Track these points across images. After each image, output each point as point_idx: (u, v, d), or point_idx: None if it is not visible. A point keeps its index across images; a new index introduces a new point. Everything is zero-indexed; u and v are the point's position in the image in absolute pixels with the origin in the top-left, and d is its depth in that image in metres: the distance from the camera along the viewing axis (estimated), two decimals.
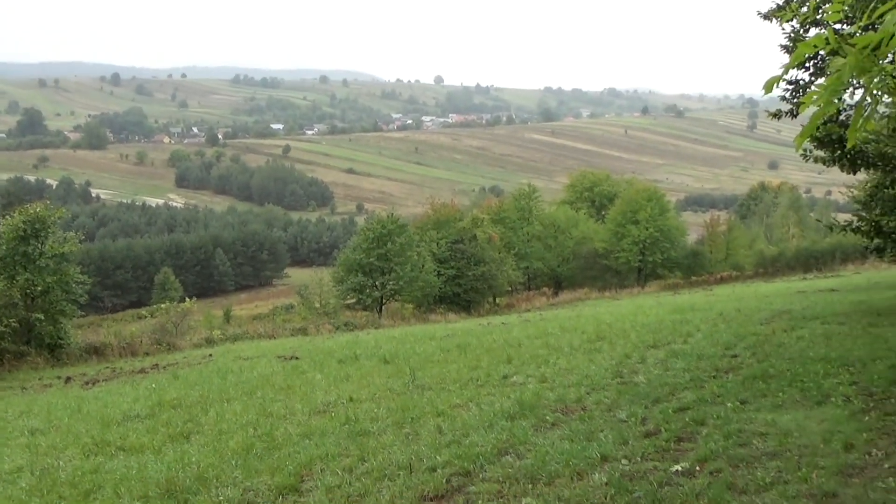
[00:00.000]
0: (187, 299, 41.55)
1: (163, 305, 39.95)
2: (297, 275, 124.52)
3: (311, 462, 9.23)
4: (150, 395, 16.42)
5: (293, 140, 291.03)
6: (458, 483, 8.03)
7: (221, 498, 8.29)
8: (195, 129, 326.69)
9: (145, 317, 49.62)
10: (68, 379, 22.37)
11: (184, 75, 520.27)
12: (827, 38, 3.25)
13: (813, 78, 13.72)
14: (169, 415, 13.87)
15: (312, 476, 8.77)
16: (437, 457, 8.82)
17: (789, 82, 14.61)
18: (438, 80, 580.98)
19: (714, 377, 12.09)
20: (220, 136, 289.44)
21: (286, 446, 10.20)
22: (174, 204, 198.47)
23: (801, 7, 13.60)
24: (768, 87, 3.43)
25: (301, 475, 8.83)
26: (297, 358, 20.75)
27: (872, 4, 3.21)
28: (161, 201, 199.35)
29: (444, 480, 8.06)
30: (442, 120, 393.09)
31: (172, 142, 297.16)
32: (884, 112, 11.88)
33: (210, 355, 25.06)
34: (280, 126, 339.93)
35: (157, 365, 23.54)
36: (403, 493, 7.81)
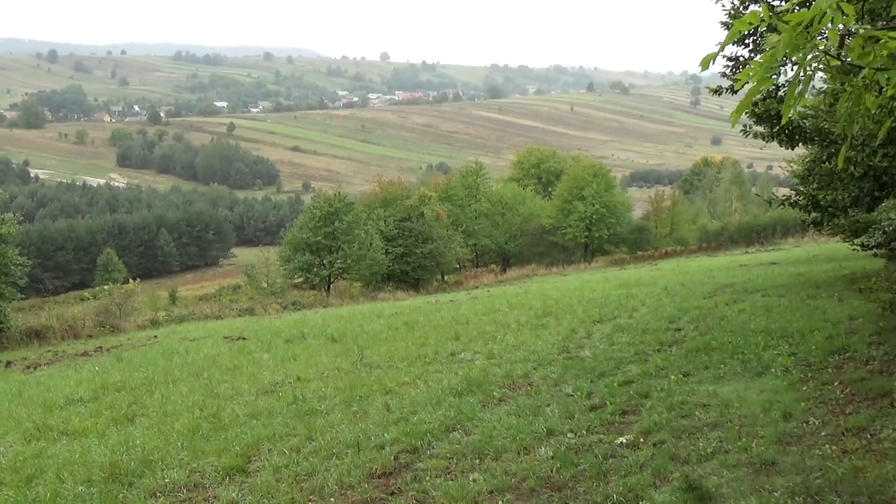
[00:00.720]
0: (131, 280, 40.79)
1: (106, 287, 39.18)
2: (243, 254, 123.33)
3: (258, 442, 9.19)
4: (94, 378, 16.16)
5: (238, 118, 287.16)
6: (406, 460, 8.07)
7: (167, 480, 8.22)
8: (136, 108, 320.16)
9: (88, 299, 48.86)
10: (8, 363, 21.91)
11: (123, 52, 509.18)
12: (761, 16, 3.30)
13: (752, 54, 13.91)
14: (113, 398, 13.69)
15: (260, 456, 8.74)
16: (385, 434, 8.85)
17: (729, 58, 14.81)
18: (384, 56, 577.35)
19: (658, 351, 12.29)
20: (162, 115, 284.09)
21: (233, 427, 10.15)
22: (116, 184, 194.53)
23: None
24: (704, 63, 3.47)
25: (248, 456, 8.80)
26: (244, 338, 20.60)
27: None
28: (102, 181, 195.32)
29: (392, 458, 8.09)
30: (388, 97, 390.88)
31: (113, 120, 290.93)
32: (821, 88, 12.10)
33: (155, 337, 24.75)
34: (224, 104, 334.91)
35: (100, 347, 23.16)
36: (351, 471, 7.82)
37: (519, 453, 7.89)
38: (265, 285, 53.55)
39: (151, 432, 10.46)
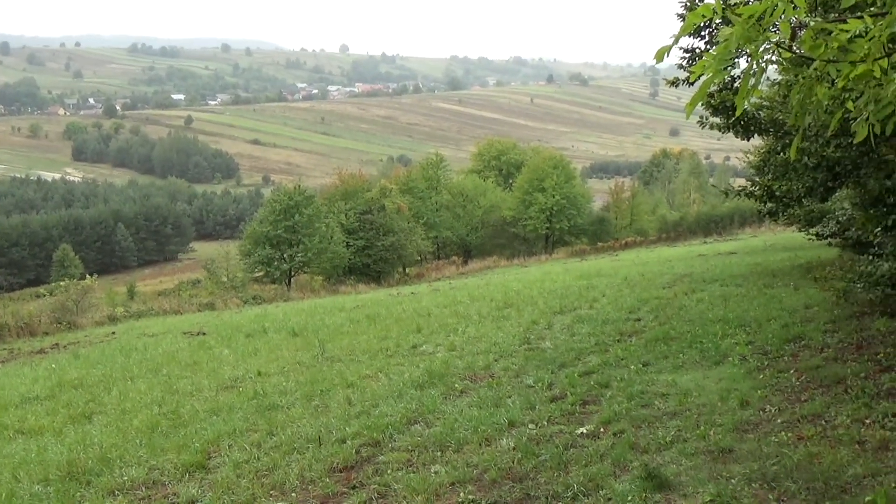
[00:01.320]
0: (88, 276, 40.19)
1: (62, 283, 38.56)
2: (203, 249, 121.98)
3: (218, 438, 9.12)
4: (50, 375, 15.92)
5: (196, 111, 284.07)
6: (368, 454, 8.05)
7: (125, 478, 8.12)
8: (92, 101, 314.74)
9: (44, 295, 48.02)
10: None
11: (78, 44, 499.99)
12: (714, 8, 3.32)
13: (708, 46, 14.03)
14: (70, 395, 13.50)
15: (220, 452, 8.67)
16: (347, 428, 8.83)
17: (685, 50, 14.91)
18: (344, 49, 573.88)
19: (618, 341, 12.40)
20: (118, 108, 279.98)
21: (193, 423, 10.06)
22: (71, 178, 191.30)
23: None
24: (659, 56, 3.48)
25: (208, 452, 8.73)
26: (203, 333, 20.42)
27: None
28: (57, 175, 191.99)
29: (354, 451, 8.08)
30: (348, 89, 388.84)
31: (68, 113, 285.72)
32: (775, 79, 12.24)
33: (113, 333, 24.42)
34: (181, 96, 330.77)
35: (57, 345, 22.81)
36: (313, 465, 7.79)
37: (480, 445, 7.92)
38: (225, 280, 53.03)
39: (109, 430, 10.33)
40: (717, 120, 15.10)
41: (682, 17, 14.30)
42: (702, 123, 15.25)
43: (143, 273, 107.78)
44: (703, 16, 3.36)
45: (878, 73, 3.45)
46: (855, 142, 3.51)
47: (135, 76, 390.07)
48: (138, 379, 14.24)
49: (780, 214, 19.41)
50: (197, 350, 17.18)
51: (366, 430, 8.67)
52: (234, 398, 11.28)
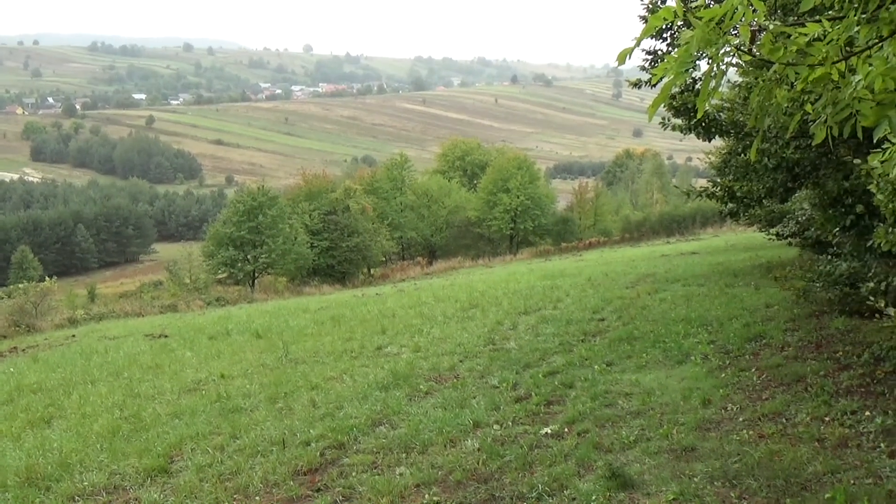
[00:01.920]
0: (47, 278, 39.62)
1: (21, 285, 37.88)
2: (165, 250, 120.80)
3: (180, 442, 9.03)
4: (8, 379, 15.63)
5: (157, 111, 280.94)
6: (332, 456, 8.02)
7: (86, 483, 8.01)
8: (51, 100, 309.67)
9: (2, 298, 47.11)
10: None
11: (36, 42, 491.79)
12: (675, 11, 3.34)
13: (669, 48, 14.15)
14: (28, 399, 13.28)
15: (182, 456, 8.59)
16: (311, 430, 8.78)
17: (648, 52, 15.03)
18: (308, 48, 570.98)
19: (582, 341, 12.47)
20: (78, 107, 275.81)
21: (155, 427, 9.95)
22: (30, 179, 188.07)
23: None
24: (621, 58, 3.51)
25: (170, 456, 8.64)
26: (166, 336, 20.19)
27: None
28: (15, 176, 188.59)
29: (318, 454, 8.04)
30: (312, 89, 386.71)
31: (26, 113, 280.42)
32: (736, 81, 12.38)
33: (73, 336, 24.05)
34: (143, 96, 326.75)
35: (15, 348, 22.41)
36: (276, 468, 7.74)
37: (445, 446, 7.92)
38: (188, 281, 52.63)
39: (69, 434, 10.18)
40: (678, 121, 15.24)
41: (644, 19, 14.40)
42: (664, 125, 15.37)
43: (104, 275, 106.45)
44: (665, 19, 3.39)
45: (835, 76, 3.50)
46: (814, 144, 3.56)
47: (95, 75, 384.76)
48: (99, 382, 14.04)
49: (741, 215, 19.63)
50: (159, 353, 16.98)
51: (330, 432, 8.63)
52: (196, 401, 11.17)
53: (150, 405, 11.40)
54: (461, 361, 11.90)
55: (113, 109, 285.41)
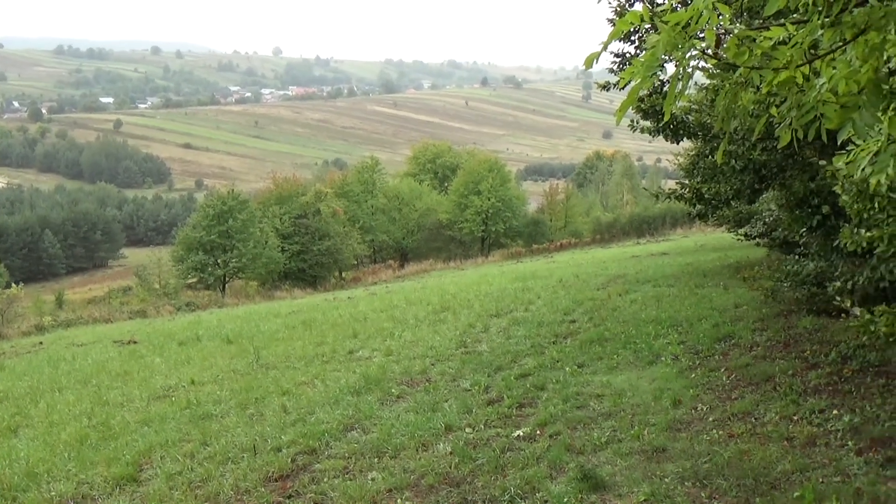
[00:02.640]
0: (14, 285, 39.21)
1: None
2: (134, 255, 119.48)
3: (150, 450, 8.94)
4: None
5: (125, 114, 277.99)
6: (304, 462, 7.98)
7: (53, 493, 7.91)
8: (16, 104, 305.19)
9: None
10: None
11: (1, 45, 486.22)
12: (641, 15, 3.36)
13: (638, 51, 14.24)
14: None
15: (152, 464, 8.51)
16: (282, 436, 8.73)
17: (616, 55, 15.11)
18: (277, 51, 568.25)
19: (553, 343, 12.51)
20: (44, 111, 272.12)
21: (123, 435, 9.84)
22: None
23: None
24: (588, 63, 3.51)
25: (140, 464, 8.55)
26: (135, 342, 20.00)
27: None
28: None
29: (290, 460, 7.99)
30: (282, 93, 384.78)
31: None
32: (703, 84, 12.48)
33: (41, 343, 23.76)
34: (110, 100, 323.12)
35: None
36: (247, 475, 7.69)
37: (417, 450, 7.90)
38: (157, 286, 52.16)
39: (36, 444, 10.05)
40: (647, 124, 15.32)
41: (612, 22, 14.48)
42: (632, 127, 15.45)
43: (72, 281, 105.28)
44: (631, 23, 3.40)
45: (800, 80, 3.53)
46: (779, 146, 3.59)
47: (61, 79, 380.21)
48: (67, 390, 13.87)
49: (710, 216, 19.81)
50: (128, 359, 16.82)
51: (302, 437, 8.59)
52: (166, 408, 11.07)
53: (118, 413, 11.28)
54: (433, 365, 11.89)
55: (80, 113, 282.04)
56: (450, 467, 7.33)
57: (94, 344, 21.07)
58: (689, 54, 3.40)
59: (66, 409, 12.10)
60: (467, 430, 8.39)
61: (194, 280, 49.39)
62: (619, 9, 14.07)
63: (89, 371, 15.72)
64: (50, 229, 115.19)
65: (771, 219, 15.11)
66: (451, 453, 7.67)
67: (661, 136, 15.05)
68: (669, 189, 19.12)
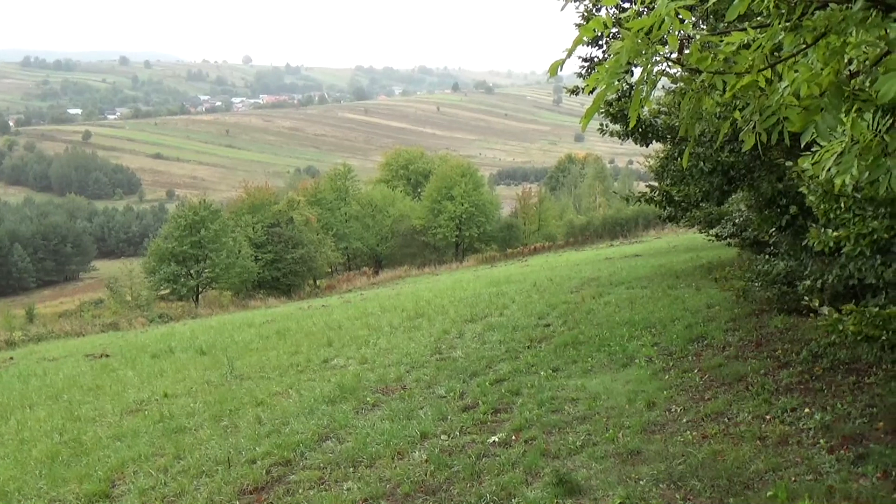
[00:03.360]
0: None
1: None
2: (105, 267, 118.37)
3: (122, 465, 8.85)
4: None
5: (94, 125, 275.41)
6: (279, 473, 7.93)
7: None
8: None
9: None
10: None
11: None
12: (605, 22, 3.38)
13: (605, 55, 14.32)
14: None
15: (125, 480, 8.42)
16: (257, 448, 8.67)
17: (584, 59, 15.22)
18: (247, 60, 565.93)
19: (528, 347, 12.52)
20: (11, 124, 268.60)
21: (95, 450, 9.73)
22: None
23: None
24: (553, 70, 3.52)
25: (112, 480, 8.46)
26: (107, 355, 19.79)
27: None
28: None
29: (265, 472, 7.94)
30: (252, 101, 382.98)
31: None
32: (670, 88, 12.58)
33: (11, 359, 23.43)
34: (78, 111, 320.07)
35: None
36: (222, 488, 7.63)
37: (393, 459, 7.88)
38: (129, 298, 51.72)
39: (7, 462, 9.91)
40: (616, 127, 15.42)
41: (580, 26, 14.55)
42: (602, 131, 15.56)
43: (43, 294, 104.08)
44: (595, 30, 3.42)
45: (762, 84, 3.56)
46: (744, 150, 3.62)
47: (28, 91, 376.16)
48: (38, 406, 13.70)
49: (680, 218, 19.95)
50: (100, 373, 16.63)
51: (276, 449, 8.54)
52: (139, 422, 10.96)
53: (90, 428, 11.15)
54: (408, 372, 11.87)
55: (48, 125, 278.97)
56: (425, 475, 7.31)
57: (65, 358, 20.82)
58: (652, 60, 3.42)
59: (37, 425, 11.95)
60: (443, 437, 8.37)
61: (167, 291, 49.00)
62: (586, 13, 14.16)
63: (61, 386, 15.52)
64: (19, 243, 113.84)
65: (740, 219, 15.25)
66: (426, 461, 7.65)
67: (630, 140, 15.15)
68: (640, 192, 19.23)
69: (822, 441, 6.88)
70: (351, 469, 7.76)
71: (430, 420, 8.93)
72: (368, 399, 10.37)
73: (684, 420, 7.97)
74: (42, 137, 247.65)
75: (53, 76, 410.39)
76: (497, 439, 8.06)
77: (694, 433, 7.50)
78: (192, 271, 47.16)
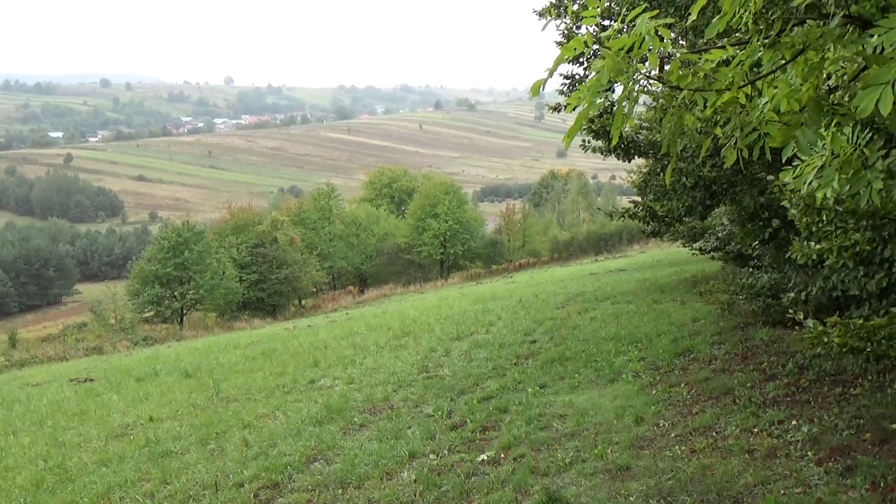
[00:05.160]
0: None
1: None
2: (88, 291, 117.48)
3: (108, 491, 8.77)
4: None
5: (75, 148, 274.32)
6: (267, 496, 7.88)
7: None
8: None
9: None
10: None
11: None
12: (585, 41, 3.40)
13: (587, 72, 14.41)
14: None
15: None
16: (244, 471, 8.61)
17: (566, 77, 15.29)
18: (229, 80, 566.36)
19: (515, 364, 12.50)
20: None
21: (81, 477, 9.63)
22: None
23: (572, 4, 14.27)
24: (535, 90, 3.54)
25: None
26: (91, 380, 19.63)
27: (624, 11, 3.39)
28: None
29: (252, 496, 7.89)
30: (235, 122, 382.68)
31: None
32: (651, 104, 12.67)
33: None
34: (59, 134, 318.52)
35: None
36: None
37: (381, 479, 7.84)
38: (113, 322, 51.26)
39: None
40: (599, 143, 15.49)
41: (561, 45, 14.65)
42: (584, 147, 15.63)
43: (26, 319, 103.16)
44: (575, 49, 3.44)
45: (743, 100, 3.59)
46: (725, 166, 3.64)
47: (9, 114, 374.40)
48: (21, 433, 13.56)
49: (664, 233, 20.03)
50: (84, 398, 16.49)
51: (264, 471, 8.48)
52: (124, 447, 10.87)
53: (75, 454, 11.05)
54: (395, 391, 11.83)
55: (29, 149, 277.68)
56: (415, 495, 7.28)
57: (49, 383, 20.65)
58: (634, 78, 3.45)
59: (21, 452, 11.83)
60: (431, 456, 8.34)
61: (151, 314, 48.76)
62: (567, 31, 14.24)
63: (45, 412, 15.38)
64: (1, 267, 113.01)
65: (724, 233, 15.34)
66: (415, 481, 7.61)
67: (613, 155, 15.22)
68: (623, 208, 19.31)
69: (809, 453, 6.89)
70: (339, 491, 7.71)
71: (418, 439, 8.89)
72: (356, 419, 10.32)
73: (672, 435, 7.98)
74: (23, 161, 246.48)
75: (34, 99, 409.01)
76: (486, 457, 8.04)
77: (682, 448, 7.50)
78: (176, 293, 46.95)
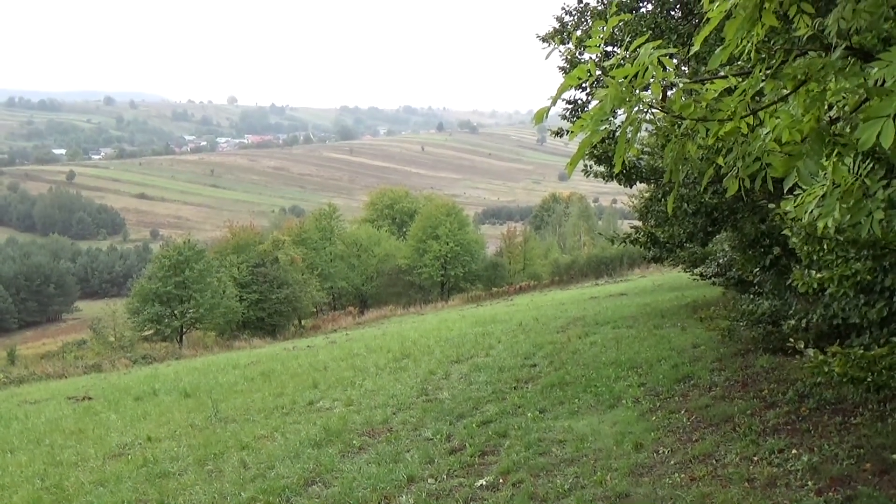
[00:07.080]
0: None
1: None
2: (88, 308, 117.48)
3: None
4: None
5: (78, 165, 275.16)
6: None
7: None
8: None
9: None
10: None
11: None
12: (589, 70, 3.42)
13: (589, 98, 14.48)
14: None
15: None
16: (242, 493, 8.58)
17: (568, 102, 15.37)
18: (232, 100, 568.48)
19: (515, 388, 12.47)
20: None
21: (78, 497, 9.60)
22: None
23: (575, 30, 14.35)
24: (538, 118, 3.56)
25: None
26: (89, 398, 19.58)
27: (628, 39, 3.42)
28: None
29: None
30: (237, 141, 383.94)
31: None
32: (653, 131, 12.72)
33: None
34: (63, 151, 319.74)
35: None
36: None
37: (380, 503, 7.80)
38: (113, 339, 51.19)
39: None
40: (601, 168, 15.54)
41: (564, 70, 14.72)
42: (586, 172, 15.66)
43: (25, 335, 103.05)
44: (579, 77, 3.46)
45: (745, 130, 3.61)
46: (727, 196, 3.66)
47: (12, 130, 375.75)
48: (18, 451, 13.51)
49: (665, 259, 20.05)
50: (82, 416, 16.44)
51: (262, 494, 8.44)
52: (122, 467, 10.82)
53: (73, 473, 11.00)
54: (394, 414, 11.80)
55: (32, 165, 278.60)
56: None
57: (47, 401, 20.58)
58: (636, 108, 3.47)
59: (18, 470, 11.77)
60: (430, 480, 8.31)
61: (151, 332, 48.65)
62: (569, 57, 14.31)
63: (42, 430, 15.33)
64: (1, 283, 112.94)
65: (724, 259, 15.35)
66: None
67: (613, 181, 15.27)
68: (625, 233, 19.34)
69: (809, 483, 6.86)
70: None
71: (416, 463, 8.86)
72: (354, 442, 10.29)
73: (672, 462, 7.94)
74: (26, 177, 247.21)
75: (38, 116, 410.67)
76: (485, 482, 8.01)
77: (682, 475, 7.47)
78: (176, 312, 46.89)
